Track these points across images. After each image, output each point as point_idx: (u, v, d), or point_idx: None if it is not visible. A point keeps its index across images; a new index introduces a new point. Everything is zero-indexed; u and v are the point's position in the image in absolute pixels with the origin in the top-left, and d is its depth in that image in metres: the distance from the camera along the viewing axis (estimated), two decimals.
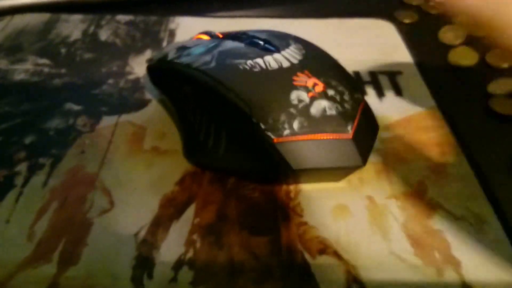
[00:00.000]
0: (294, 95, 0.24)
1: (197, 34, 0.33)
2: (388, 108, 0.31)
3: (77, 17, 0.42)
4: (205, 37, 0.32)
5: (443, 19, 0.41)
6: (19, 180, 0.27)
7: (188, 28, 0.40)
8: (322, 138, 0.24)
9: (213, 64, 0.27)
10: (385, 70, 0.35)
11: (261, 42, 0.28)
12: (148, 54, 0.37)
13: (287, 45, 0.28)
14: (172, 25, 0.41)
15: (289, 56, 0.27)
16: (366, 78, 0.34)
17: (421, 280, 0.22)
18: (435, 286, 0.21)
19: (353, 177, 0.26)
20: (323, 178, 0.26)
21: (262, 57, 0.26)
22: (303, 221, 0.24)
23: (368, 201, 0.25)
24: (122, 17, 0.42)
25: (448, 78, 0.34)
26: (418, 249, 0.23)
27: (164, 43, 0.38)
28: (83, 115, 0.31)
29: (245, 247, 0.23)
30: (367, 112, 0.27)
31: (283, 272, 0.22)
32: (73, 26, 0.41)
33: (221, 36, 0.32)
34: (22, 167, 0.27)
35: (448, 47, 0.38)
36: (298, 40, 0.29)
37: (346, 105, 0.25)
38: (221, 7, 0.44)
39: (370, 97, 0.32)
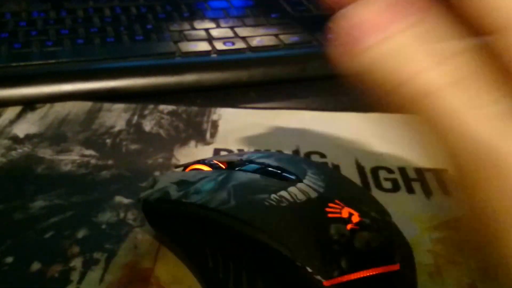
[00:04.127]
0: (333, 230, 0.24)
1: (192, 165, 0.32)
2: (436, 207, 0.34)
3: (119, 106, 0.45)
4: (204, 167, 0.31)
5: None
6: (74, 276, 0.29)
7: (231, 120, 0.43)
8: (372, 273, 0.24)
9: (232, 202, 0.26)
10: (431, 167, 0.37)
11: (278, 171, 0.28)
12: (192, 145, 0.40)
13: (305, 171, 0.28)
14: (214, 116, 0.44)
15: (313, 184, 0.27)
16: (412, 175, 0.37)
17: None
18: None
19: None
20: None
21: (285, 189, 0.26)
22: None
23: None
24: (165, 107, 0.45)
25: None
26: None
27: (208, 135, 0.41)
28: (133, 209, 0.33)
29: None
30: (399, 234, 0.27)
31: None
32: (116, 115, 0.44)
33: (221, 164, 0.30)
34: (77, 262, 0.30)
35: None
36: (310, 163, 0.30)
37: (385, 232, 0.26)
38: (258, 97, 0.48)
39: (417, 195, 0.35)
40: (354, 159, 0.39)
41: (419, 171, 0.37)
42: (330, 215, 0.25)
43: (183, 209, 0.28)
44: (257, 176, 0.28)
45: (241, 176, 0.28)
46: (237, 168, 0.29)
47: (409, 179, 0.36)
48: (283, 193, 0.26)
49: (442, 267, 0.29)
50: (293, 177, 0.27)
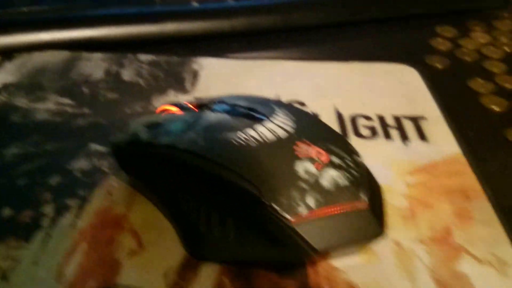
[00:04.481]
0: (301, 168, 0.24)
1: (161, 106, 0.32)
2: (413, 153, 0.34)
3: (98, 55, 0.45)
4: (174, 109, 0.31)
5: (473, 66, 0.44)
6: (46, 222, 0.29)
7: (212, 70, 0.43)
8: (340, 212, 0.24)
9: (201, 142, 0.26)
10: (409, 115, 0.37)
11: (246, 111, 0.28)
12: (171, 94, 0.40)
13: (273, 111, 0.28)
14: (195, 66, 0.43)
15: (281, 124, 0.27)
16: (391, 122, 0.37)
17: None
18: None
19: None
20: (343, 251, 0.26)
21: (254, 128, 0.26)
22: (331, 265, 0.26)
23: (396, 246, 0.27)
24: (145, 57, 0.44)
25: (474, 124, 0.37)
26: None
27: (188, 84, 0.41)
28: (108, 157, 0.33)
29: None
30: (370, 175, 0.28)
31: None
32: (94, 65, 0.43)
33: (192, 106, 0.30)
34: (49, 209, 0.29)
35: (476, 94, 0.40)
36: (280, 104, 0.29)
37: (353, 172, 0.25)
38: (240, 48, 0.47)
39: (395, 142, 0.35)
40: (334, 107, 0.38)
41: (397, 118, 0.37)
42: (298, 153, 0.25)
43: (152, 151, 0.27)
44: (226, 116, 0.28)
45: (210, 117, 0.28)
46: (207, 110, 0.29)
47: (387, 126, 0.36)
48: (251, 132, 0.26)
49: (416, 211, 0.29)
50: (262, 117, 0.27)
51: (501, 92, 0.41)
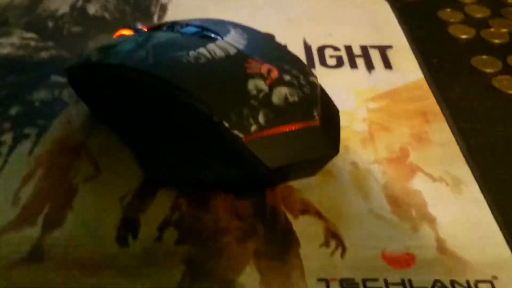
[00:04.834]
0: (251, 85, 0.24)
1: (117, 31, 0.31)
2: (376, 80, 0.34)
3: None
4: (129, 33, 0.30)
5: None
6: (3, 149, 0.28)
7: (181, 3, 0.42)
8: (291, 129, 0.24)
9: (150, 60, 0.25)
10: (376, 45, 0.37)
11: (198, 29, 0.27)
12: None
13: (227, 31, 0.27)
14: (163, 0, 0.43)
15: (233, 42, 0.26)
16: (357, 52, 0.37)
17: (396, 234, 0.24)
18: (409, 239, 0.24)
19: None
20: (298, 173, 0.26)
21: (204, 46, 0.25)
22: (288, 185, 0.26)
23: (352, 167, 0.27)
24: None
25: (440, 52, 0.37)
26: (396, 207, 0.25)
27: (155, 18, 0.40)
28: (69, 87, 0.33)
29: (231, 209, 0.25)
30: (325, 96, 0.27)
31: (266, 231, 0.24)
32: (60, 0, 0.43)
33: (145, 29, 0.30)
34: (7, 137, 0.29)
35: (445, 23, 0.40)
36: (236, 25, 0.29)
37: (305, 90, 0.25)
38: None
39: (360, 70, 0.35)
40: (302, 38, 0.38)
41: (364, 48, 0.37)
42: (248, 70, 0.24)
43: (102, 72, 0.27)
44: (177, 35, 0.27)
45: (161, 36, 0.27)
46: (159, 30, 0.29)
47: (354, 56, 0.36)
48: (201, 50, 0.25)
49: (374, 134, 0.29)
50: (213, 35, 0.27)
51: (469, 21, 0.41)
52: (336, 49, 0.37)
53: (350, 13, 0.41)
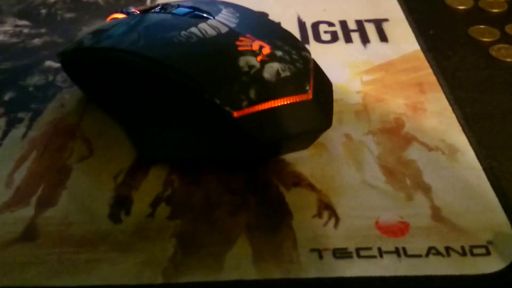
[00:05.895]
0: (243, 62, 0.24)
1: (110, 15, 0.31)
2: (372, 53, 0.34)
3: None
4: (122, 16, 0.30)
5: None
6: None
7: None
8: (283, 103, 0.24)
9: (142, 42, 0.25)
10: (371, 18, 0.38)
11: (190, 10, 0.28)
12: None
13: (219, 10, 0.27)
14: None
15: (224, 20, 0.26)
16: (352, 26, 0.37)
17: (390, 204, 0.24)
18: (403, 208, 0.24)
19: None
20: (291, 147, 0.26)
21: (195, 25, 0.26)
22: (280, 159, 0.27)
23: (345, 138, 0.27)
24: None
25: (437, 23, 0.37)
26: (390, 177, 0.25)
27: (148, 1, 0.41)
28: (63, 72, 0.33)
29: (223, 183, 0.25)
30: (318, 70, 0.27)
31: (258, 203, 0.24)
32: None
33: (139, 12, 0.30)
34: (1, 122, 0.30)
35: None
36: (228, 4, 0.29)
37: (298, 64, 0.25)
38: None
39: (355, 44, 0.35)
40: (296, 15, 0.38)
41: (359, 22, 0.37)
42: (240, 48, 0.25)
43: (94, 55, 0.27)
44: (168, 16, 0.27)
45: (152, 18, 0.28)
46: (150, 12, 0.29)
47: (349, 30, 0.36)
48: (193, 29, 0.26)
49: (368, 105, 0.29)
50: (205, 15, 0.27)
51: None
52: (330, 24, 0.37)
53: None
